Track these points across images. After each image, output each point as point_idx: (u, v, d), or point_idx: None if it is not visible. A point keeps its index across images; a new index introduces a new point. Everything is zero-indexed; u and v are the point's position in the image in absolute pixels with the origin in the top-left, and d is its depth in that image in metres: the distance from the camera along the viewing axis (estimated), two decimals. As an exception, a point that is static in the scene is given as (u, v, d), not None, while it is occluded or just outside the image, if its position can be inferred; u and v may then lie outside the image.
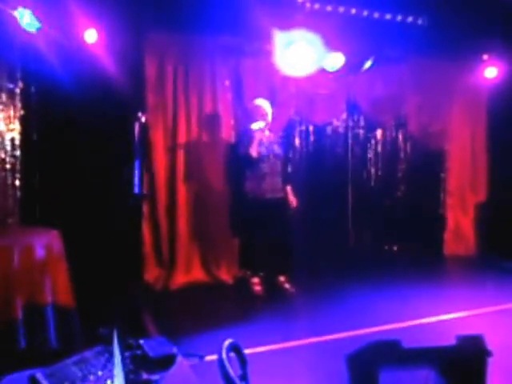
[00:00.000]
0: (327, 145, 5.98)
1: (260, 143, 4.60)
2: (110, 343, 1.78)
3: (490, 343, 2.03)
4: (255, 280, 4.79)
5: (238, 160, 4.75)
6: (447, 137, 6.36)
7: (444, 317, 3.95)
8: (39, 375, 1.80)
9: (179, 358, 1.98)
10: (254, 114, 4.73)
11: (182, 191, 5.07)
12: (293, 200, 4.84)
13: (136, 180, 3.75)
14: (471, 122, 6.47)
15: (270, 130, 4.81)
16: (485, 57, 5.82)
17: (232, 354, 1.75)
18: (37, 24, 3.87)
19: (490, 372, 1.98)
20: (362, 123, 6.19)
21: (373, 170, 6.26)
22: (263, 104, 4.76)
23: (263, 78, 5.38)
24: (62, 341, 3.13)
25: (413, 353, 2.00)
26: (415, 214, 6.28)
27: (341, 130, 6.06)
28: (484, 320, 3.88)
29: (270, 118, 4.76)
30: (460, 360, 1.94)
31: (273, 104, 4.85)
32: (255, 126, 4.62)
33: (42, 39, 4.08)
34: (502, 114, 6.25)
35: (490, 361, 1.97)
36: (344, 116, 6.05)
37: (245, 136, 4.72)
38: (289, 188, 4.85)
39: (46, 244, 3.22)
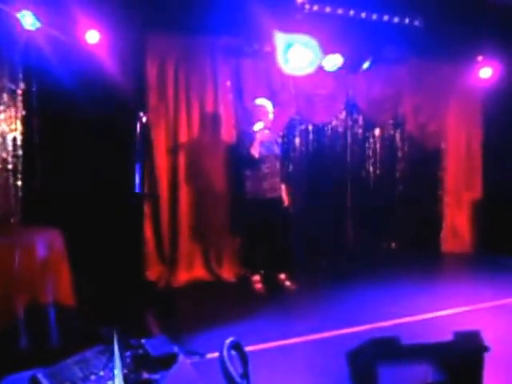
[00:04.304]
0: (326, 144, 6.00)
1: (261, 143, 4.64)
2: (111, 343, 1.79)
3: (487, 338, 2.07)
4: (256, 278, 4.83)
5: (240, 160, 4.78)
6: (444, 136, 6.44)
7: (441, 313, 3.98)
8: (40, 375, 1.81)
9: (180, 357, 1.99)
10: (256, 114, 4.76)
11: (183, 190, 5.09)
12: (285, 199, 4.90)
13: (137, 179, 3.78)
14: (467, 121, 6.54)
15: (269, 130, 4.84)
16: (479, 58, 5.88)
17: (233, 352, 1.78)
18: (39, 24, 3.90)
19: (486, 367, 2.01)
20: (360, 123, 6.20)
21: (371, 169, 6.29)
22: (265, 104, 4.79)
23: (263, 78, 5.41)
24: (64, 340, 3.13)
25: (411, 349, 2.04)
26: (413, 212, 6.32)
27: (340, 129, 6.07)
28: (481, 316, 3.91)
29: (271, 116, 4.79)
30: (457, 355, 1.98)
31: (273, 104, 4.87)
32: (257, 126, 4.65)
33: (44, 40, 4.11)
34: (497, 114, 6.34)
35: (487, 356, 2.01)
36: (343, 116, 6.07)
37: (246, 136, 4.75)
38: (283, 187, 4.90)
39: (47, 243, 3.22)
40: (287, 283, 4.84)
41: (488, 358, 2.01)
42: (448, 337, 2.03)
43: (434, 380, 1.95)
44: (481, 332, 2.07)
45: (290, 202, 4.99)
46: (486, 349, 1.99)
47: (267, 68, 5.29)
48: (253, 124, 4.73)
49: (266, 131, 4.76)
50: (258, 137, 4.60)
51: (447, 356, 1.97)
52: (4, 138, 4.23)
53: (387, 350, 2.07)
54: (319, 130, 5.95)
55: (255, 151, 4.59)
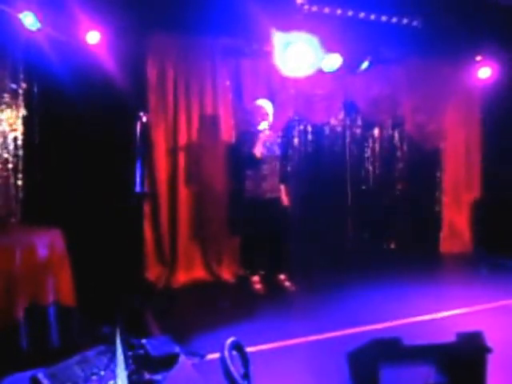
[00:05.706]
0: (325, 144, 6.01)
1: (263, 143, 4.64)
2: (113, 343, 1.79)
3: (489, 339, 2.07)
4: (255, 278, 4.83)
5: (241, 160, 4.78)
6: (442, 136, 6.44)
7: (443, 314, 3.98)
8: (40, 375, 1.81)
9: (181, 357, 1.99)
10: (256, 115, 4.75)
11: (183, 190, 5.09)
12: (285, 199, 4.91)
13: (137, 179, 3.78)
14: (466, 121, 6.56)
15: (269, 130, 4.84)
16: (478, 58, 5.89)
17: (234, 353, 1.78)
18: (39, 25, 3.90)
19: (489, 368, 2.02)
20: (359, 123, 6.21)
21: (370, 169, 6.30)
22: (264, 104, 4.80)
23: (262, 78, 5.42)
24: (64, 340, 3.14)
25: (413, 350, 2.04)
26: (412, 212, 6.34)
27: (339, 129, 6.08)
28: (482, 317, 3.91)
29: (271, 117, 4.80)
30: (460, 356, 1.98)
31: (272, 104, 4.88)
32: (261, 126, 4.65)
33: (45, 40, 4.12)
34: (496, 114, 6.35)
35: (490, 357, 2.01)
36: (341, 116, 6.08)
37: (247, 136, 4.75)
38: (282, 187, 4.90)
39: (48, 243, 3.22)
40: (287, 284, 4.85)
41: (490, 359, 2.01)
42: (450, 338, 2.03)
43: (435, 381, 1.95)
44: (483, 333, 2.07)
45: (289, 202, 5.00)
46: (488, 350, 1.99)
47: (266, 68, 5.30)
48: (253, 124, 4.73)
49: (267, 131, 4.77)
50: (261, 137, 4.61)
51: (449, 357, 1.97)
52: (5, 138, 4.24)
53: (388, 350, 2.07)
54: (318, 130, 5.96)
55: (258, 151, 4.60)
